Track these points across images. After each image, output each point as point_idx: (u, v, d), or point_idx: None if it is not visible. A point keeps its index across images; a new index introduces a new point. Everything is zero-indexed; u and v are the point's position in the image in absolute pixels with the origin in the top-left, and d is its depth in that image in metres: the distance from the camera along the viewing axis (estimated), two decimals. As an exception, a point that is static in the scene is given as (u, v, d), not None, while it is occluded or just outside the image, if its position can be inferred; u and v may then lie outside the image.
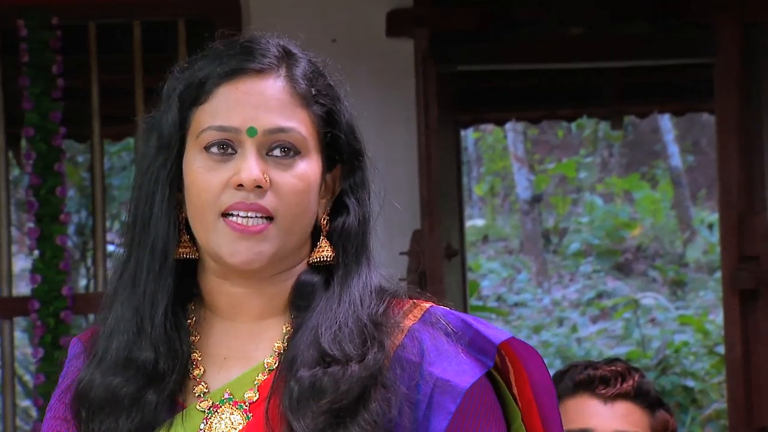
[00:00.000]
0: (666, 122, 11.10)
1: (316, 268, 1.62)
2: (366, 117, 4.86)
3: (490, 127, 11.05)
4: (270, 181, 1.55)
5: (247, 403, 1.58)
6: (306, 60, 1.62)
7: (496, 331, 1.61)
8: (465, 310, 4.79)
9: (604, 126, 11.03)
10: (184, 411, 1.58)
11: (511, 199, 14.06)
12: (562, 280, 13.33)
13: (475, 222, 14.00)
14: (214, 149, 1.56)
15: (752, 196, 4.15)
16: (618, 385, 2.37)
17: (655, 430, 2.40)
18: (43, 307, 4.33)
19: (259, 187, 1.54)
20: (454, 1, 4.30)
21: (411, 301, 1.62)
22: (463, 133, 8.05)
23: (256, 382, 1.58)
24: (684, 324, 11.10)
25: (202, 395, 1.59)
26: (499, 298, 12.72)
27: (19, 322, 5.87)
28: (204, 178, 1.56)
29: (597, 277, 12.81)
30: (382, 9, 4.23)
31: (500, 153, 12.58)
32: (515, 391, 1.63)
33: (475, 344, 1.59)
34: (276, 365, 1.58)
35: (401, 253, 4.16)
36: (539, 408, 1.63)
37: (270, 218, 1.55)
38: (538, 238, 13.18)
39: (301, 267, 1.62)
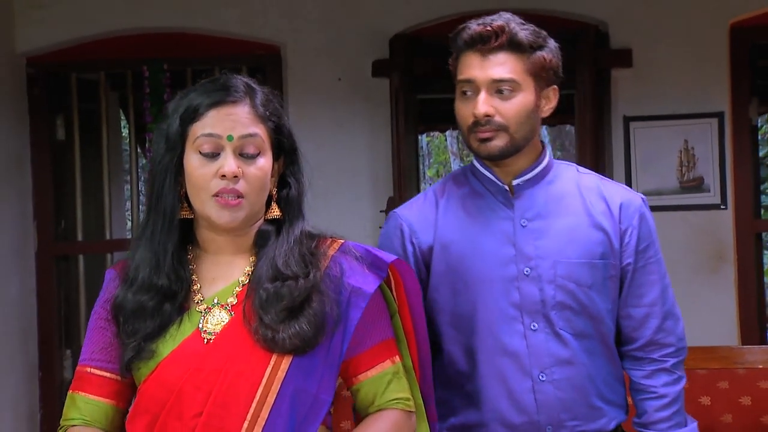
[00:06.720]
0: (544, 131, 11.15)
1: (269, 222, 1.64)
2: (359, 128, 4.76)
3: (437, 133, 11.14)
4: (242, 172, 1.57)
5: (229, 305, 1.59)
6: (262, 92, 1.63)
7: (386, 254, 1.66)
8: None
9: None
10: (188, 311, 1.60)
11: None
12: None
13: (426, 194, 13.83)
14: (206, 152, 1.57)
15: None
16: (493, 41, 1.88)
17: (531, 71, 1.92)
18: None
19: (235, 176, 1.56)
20: (417, 53, 4.24)
21: (330, 239, 1.65)
22: (420, 137, 8.13)
23: (234, 292, 1.60)
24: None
25: (199, 302, 1.61)
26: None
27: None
28: (199, 171, 1.57)
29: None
30: (369, 59, 4.22)
31: (442, 149, 12.62)
32: (395, 293, 1.67)
33: (375, 264, 1.63)
34: (246, 282, 1.61)
35: (381, 211, 4.18)
36: (409, 305, 1.67)
37: (241, 196, 1.57)
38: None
39: (260, 222, 1.64)
